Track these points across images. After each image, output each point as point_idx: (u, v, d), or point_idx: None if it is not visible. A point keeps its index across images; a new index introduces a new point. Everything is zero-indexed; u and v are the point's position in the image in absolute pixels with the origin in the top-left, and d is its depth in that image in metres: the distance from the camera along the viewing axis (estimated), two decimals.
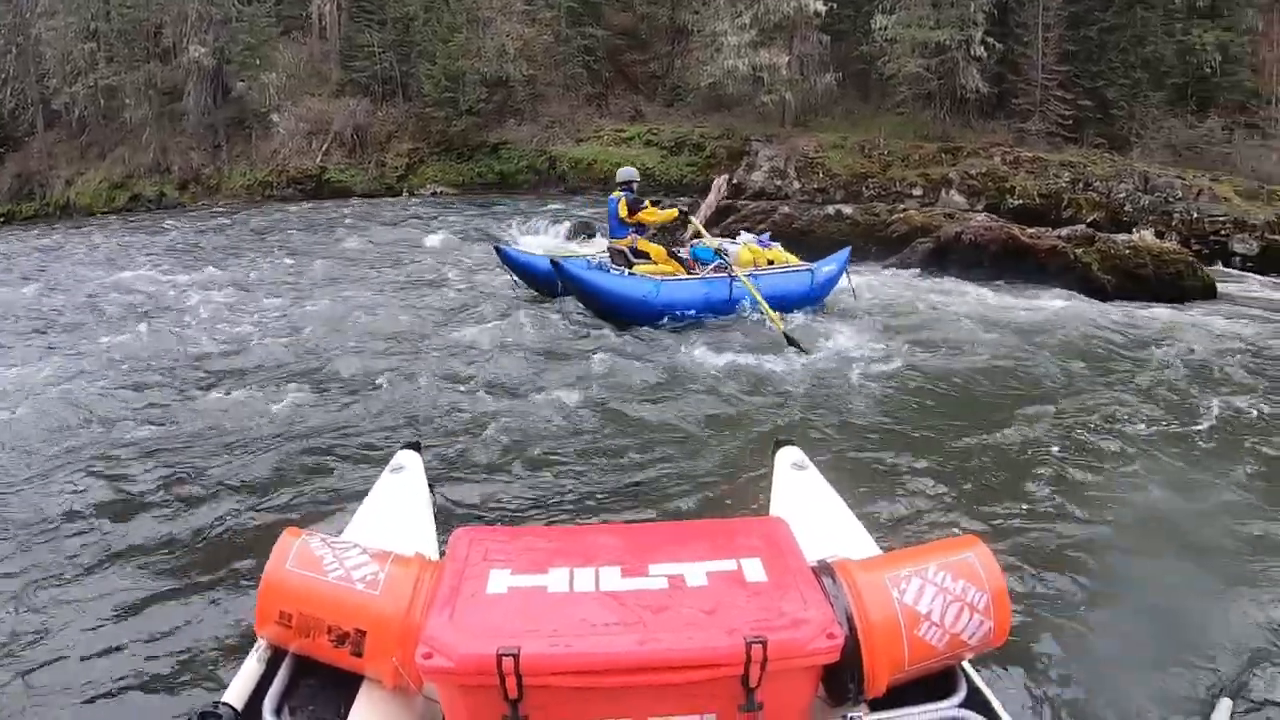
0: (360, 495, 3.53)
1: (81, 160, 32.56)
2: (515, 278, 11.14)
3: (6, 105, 33.48)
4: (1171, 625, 4.35)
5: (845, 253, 11.46)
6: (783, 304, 9.96)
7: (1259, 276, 15.59)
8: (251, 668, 2.35)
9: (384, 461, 3.79)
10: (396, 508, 3.37)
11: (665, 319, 9.76)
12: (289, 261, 16.00)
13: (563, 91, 29.19)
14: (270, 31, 31.74)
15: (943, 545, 2.48)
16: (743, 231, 12.18)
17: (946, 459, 6.39)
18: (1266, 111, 24.10)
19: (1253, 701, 3.82)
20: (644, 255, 10.32)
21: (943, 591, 2.26)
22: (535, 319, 10.28)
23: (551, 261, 10.06)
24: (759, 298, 9.67)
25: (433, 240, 17.74)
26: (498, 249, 11.34)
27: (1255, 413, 7.54)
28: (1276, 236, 16.71)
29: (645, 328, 9.74)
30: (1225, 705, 2.66)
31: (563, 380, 8.16)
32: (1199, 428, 7.15)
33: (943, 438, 6.84)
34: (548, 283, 10.57)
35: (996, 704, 2.34)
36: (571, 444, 6.67)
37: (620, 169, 11.28)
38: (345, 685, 2.34)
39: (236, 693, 2.26)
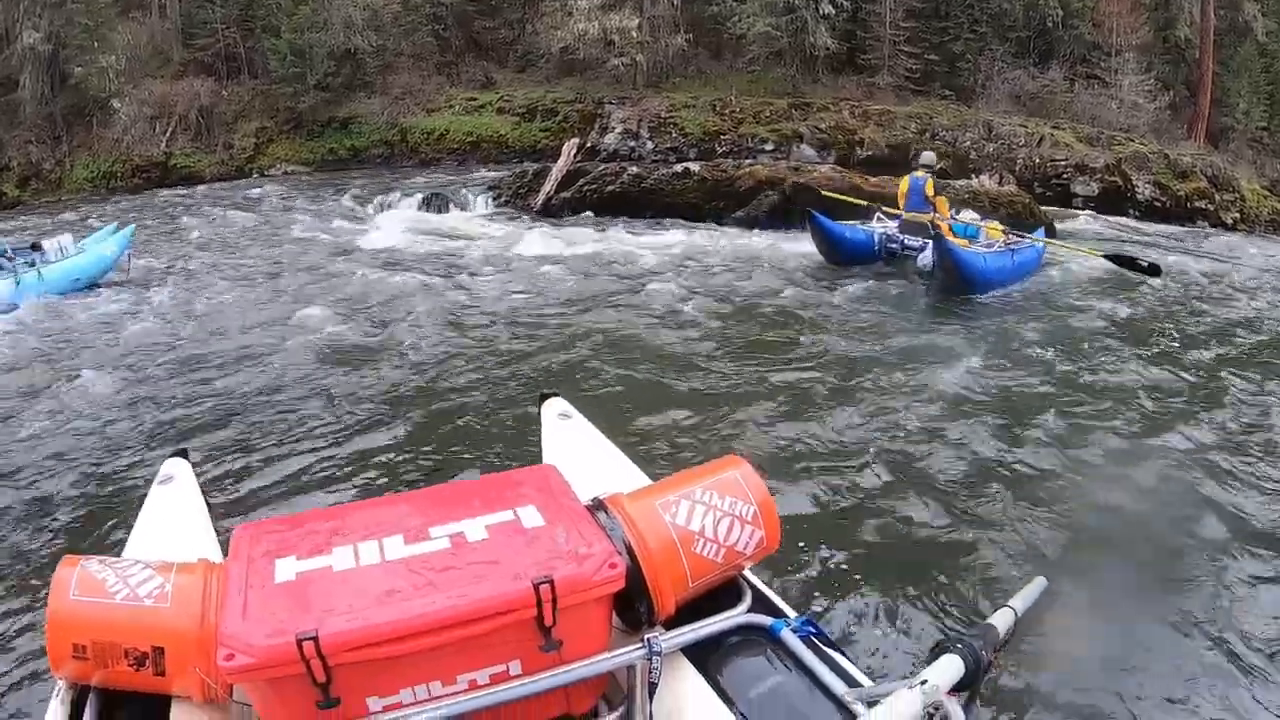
0: (132, 511, 3.37)
1: None
2: (825, 247, 11.20)
3: None
4: (926, 530, 4.86)
5: (1040, 232, 11.72)
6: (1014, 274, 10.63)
7: (1098, 216, 16.08)
8: (57, 710, 2.20)
9: (152, 474, 3.63)
10: (172, 518, 3.26)
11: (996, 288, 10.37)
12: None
13: (412, 61, 28.46)
14: (108, 12, 30.01)
15: (707, 468, 2.56)
16: (965, 210, 12.17)
17: (708, 395, 6.87)
18: (1107, 63, 24.76)
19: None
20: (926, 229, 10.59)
21: (711, 509, 2.37)
22: (276, 303, 10.16)
23: (936, 237, 9.88)
24: (1072, 248, 11.05)
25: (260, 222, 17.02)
26: (811, 216, 11.29)
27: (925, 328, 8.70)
28: (1114, 179, 17.29)
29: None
30: (1039, 583, 2.67)
31: (325, 361, 8.01)
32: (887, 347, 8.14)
33: (705, 378, 7.28)
34: (857, 253, 11.00)
35: (782, 604, 2.49)
36: (340, 423, 6.58)
37: (923, 154, 11.90)
38: (156, 711, 2.22)
39: None
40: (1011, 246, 10.46)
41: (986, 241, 10.44)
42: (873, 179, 13.91)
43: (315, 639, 1.88)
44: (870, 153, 18.64)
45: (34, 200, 27.78)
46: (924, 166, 11.01)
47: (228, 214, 17.28)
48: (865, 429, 6.20)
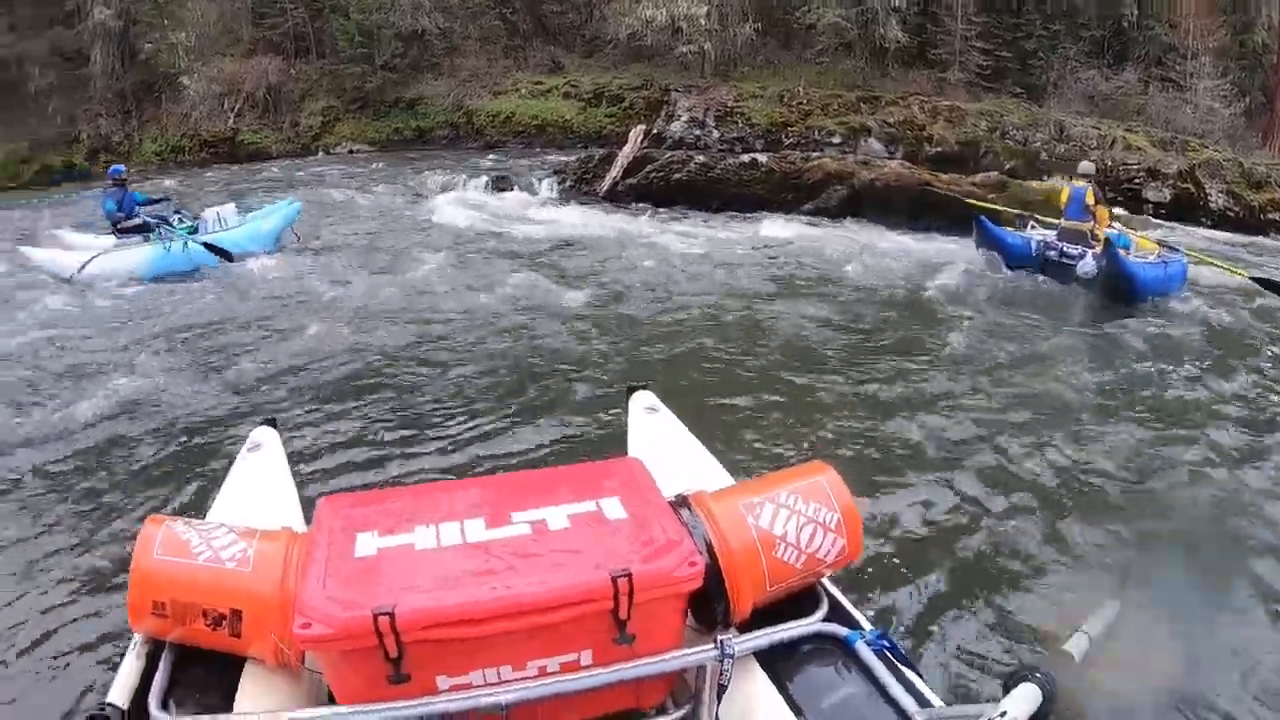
0: (219, 477, 3.45)
1: None
2: (991, 252, 11.02)
3: None
4: (1012, 544, 4.71)
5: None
6: (1167, 286, 10.47)
7: (1170, 223, 15.80)
8: (132, 665, 2.29)
9: (241, 441, 3.73)
10: (257, 485, 3.34)
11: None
12: None
13: (479, 44, 28.49)
14: None
15: (793, 472, 2.60)
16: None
17: (799, 395, 6.77)
18: (1182, 66, 24.28)
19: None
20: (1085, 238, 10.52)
21: (795, 514, 2.38)
22: (377, 286, 10.17)
23: (1105, 245, 9.82)
24: (1216, 264, 10.77)
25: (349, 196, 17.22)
26: (978, 220, 11.12)
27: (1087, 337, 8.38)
28: (1187, 185, 16.94)
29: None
30: (1112, 608, 2.65)
31: (406, 341, 8.12)
32: (1042, 356, 7.82)
33: (796, 377, 7.15)
34: (1019, 259, 10.79)
35: (858, 615, 2.47)
36: (425, 405, 6.67)
37: (1081, 163, 11.61)
38: (228, 669, 2.31)
39: (120, 691, 2.20)
40: (1164, 259, 10.31)
41: (1139, 253, 10.31)
42: (944, 176, 13.74)
43: (392, 615, 1.93)
44: (939, 149, 18.35)
45: (102, 172, 28.22)
46: (1083, 176, 10.81)
47: (297, 191, 17.43)
48: (962, 439, 5.99)
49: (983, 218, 11.12)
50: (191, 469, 5.66)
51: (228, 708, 2.20)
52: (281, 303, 9.61)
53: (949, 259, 11.15)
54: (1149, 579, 4.37)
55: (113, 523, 5.03)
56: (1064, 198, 10.80)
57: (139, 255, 11.42)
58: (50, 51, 29.56)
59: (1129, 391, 7.07)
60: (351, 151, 26.41)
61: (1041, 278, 10.47)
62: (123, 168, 12.83)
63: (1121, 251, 9.98)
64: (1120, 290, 9.73)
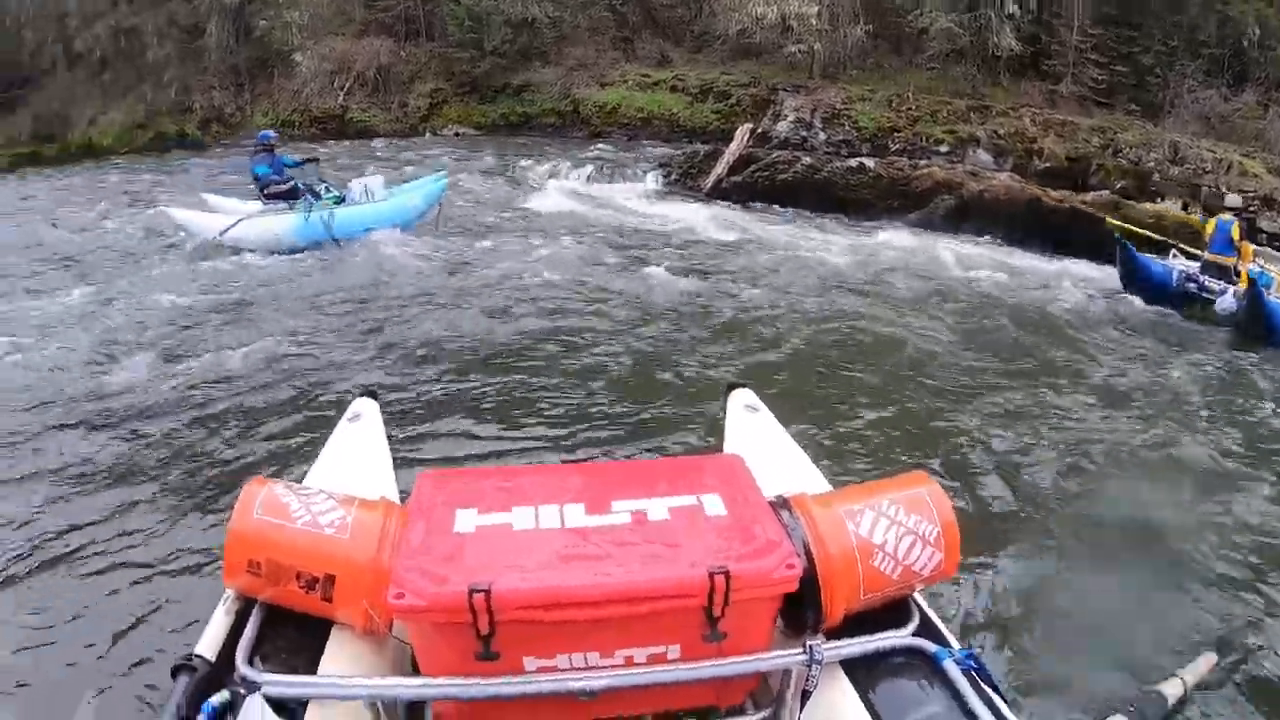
0: (318, 445, 3.53)
1: (103, 100, 32.45)
2: (1131, 278, 10.76)
3: (28, 46, 33.41)
4: (1114, 580, 4.55)
5: None
6: None
7: None
8: (222, 618, 2.35)
9: (341, 410, 3.79)
10: (355, 455, 3.39)
11: None
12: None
13: (588, 34, 28.74)
14: None
15: (895, 481, 2.54)
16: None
17: (901, 406, 6.65)
18: None
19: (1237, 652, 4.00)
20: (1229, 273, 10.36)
21: (895, 524, 2.34)
22: (483, 267, 10.44)
23: (1250, 284, 9.59)
24: None
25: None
26: (1122, 245, 10.77)
27: (1224, 379, 7.98)
28: None
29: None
30: (1209, 658, 2.66)
31: (510, 324, 8.31)
32: (1172, 392, 7.47)
33: (899, 387, 7.06)
34: (1158, 288, 10.56)
35: (946, 632, 2.42)
36: (526, 389, 6.79)
37: (1228, 196, 11.82)
38: (315, 631, 2.36)
39: (209, 643, 2.25)
40: None
41: None
42: (1054, 192, 13.58)
43: (487, 593, 1.95)
44: (1049, 164, 18.09)
45: (214, 142, 29.15)
46: (1230, 209, 10.63)
47: (404, 170, 17.82)
48: (1072, 468, 5.79)
49: (1127, 242, 10.78)
50: (296, 433, 5.94)
51: (312, 669, 2.27)
52: (403, 280, 9.92)
53: (1063, 278, 10.97)
54: (1259, 646, 4.19)
55: (215, 480, 5.30)
56: (1209, 230, 10.55)
57: (280, 223, 11.59)
58: (168, 24, 30.60)
59: (1260, 444, 6.70)
60: (457, 134, 26.84)
61: (1174, 309, 10.25)
62: (273, 133, 12.90)
63: (1265, 291, 9.69)
64: (1260, 331, 9.48)
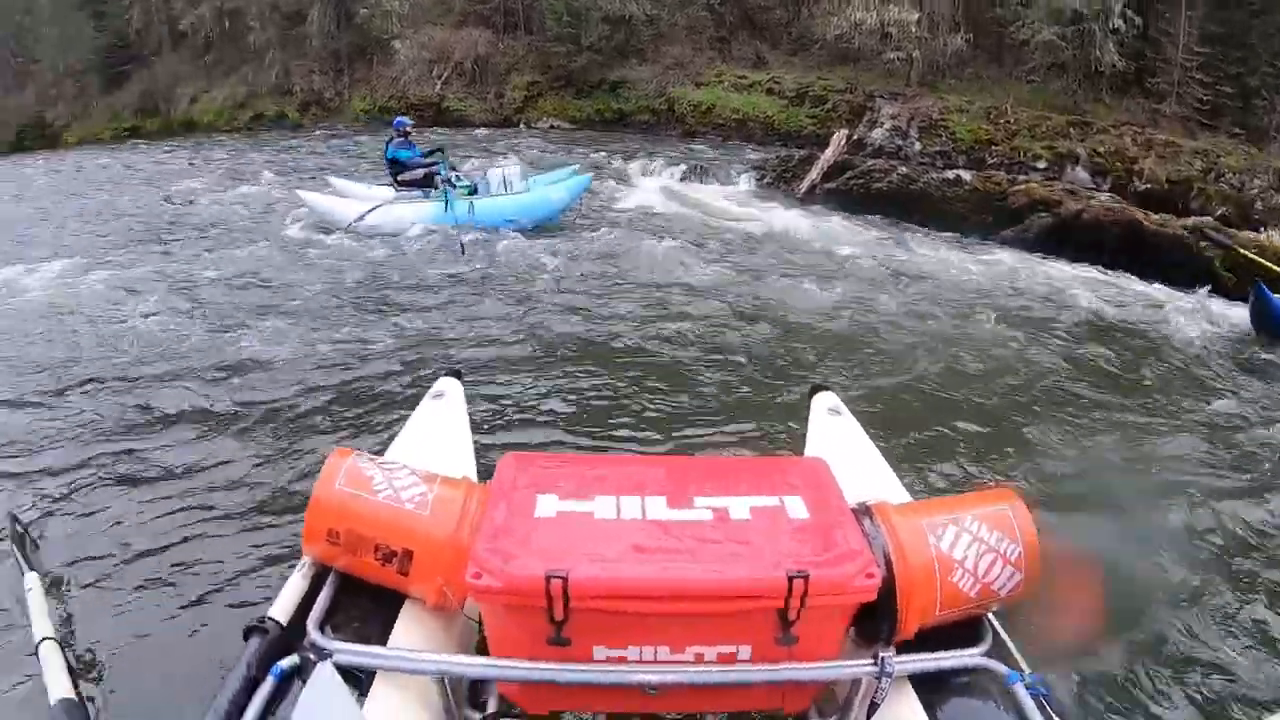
0: (401, 421, 3.59)
1: (206, 79, 33.51)
2: (1260, 317, 9.95)
3: (134, 25, 34.56)
4: (1203, 605, 4.38)
5: None
6: None
7: None
8: (297, 584, 2.42)
9: (426, 388, 3.85)
10: (437, 433, 3.45)
11: None
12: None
13: (685, 33, 28.85)
14: None
15: (979, 496, 2.53)
16: None
17: (989, 423, 6.45)
18: None
19: None
20: None
21: (977, 541, 2.32)
22: (569, 259, 10.62)
23: None
24: None
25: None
26: (1257, 286, 9.91)
27: None
28: None
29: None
30: None
31: (600, 317, 8.45)
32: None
33: (987, 404, 6.89)
34: None
35: (1018, 656, 2.39)
36: (611, 379, 6.87)
37: None
38: (388, 603, 2.42)
39: (282, 607, 2.32)
40: None
41: None
42: (1154, 216, 13.38)
43: (565, 579, 1.95)
44: (1149, 185, 17.75)
45: (311, 124, 29.85)
46: None
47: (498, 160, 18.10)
48: (1171, 504, 5.38)
49: (1262, 284, 9.96)
50: (375, 409, 6.15)
51: (382, 640, 2.30)
52: (508, 270, 10.17)
53: (1173, 309, 10.55)
54: None
55: (305, 449, 5.47)
56: None
57: (419, 211, 11.65)
58: (270, 8, 31.53)
59: None
60: (552, 127, 27.21)
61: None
62: (408, 120, 12.88)
63: None
64: None
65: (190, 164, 20.86)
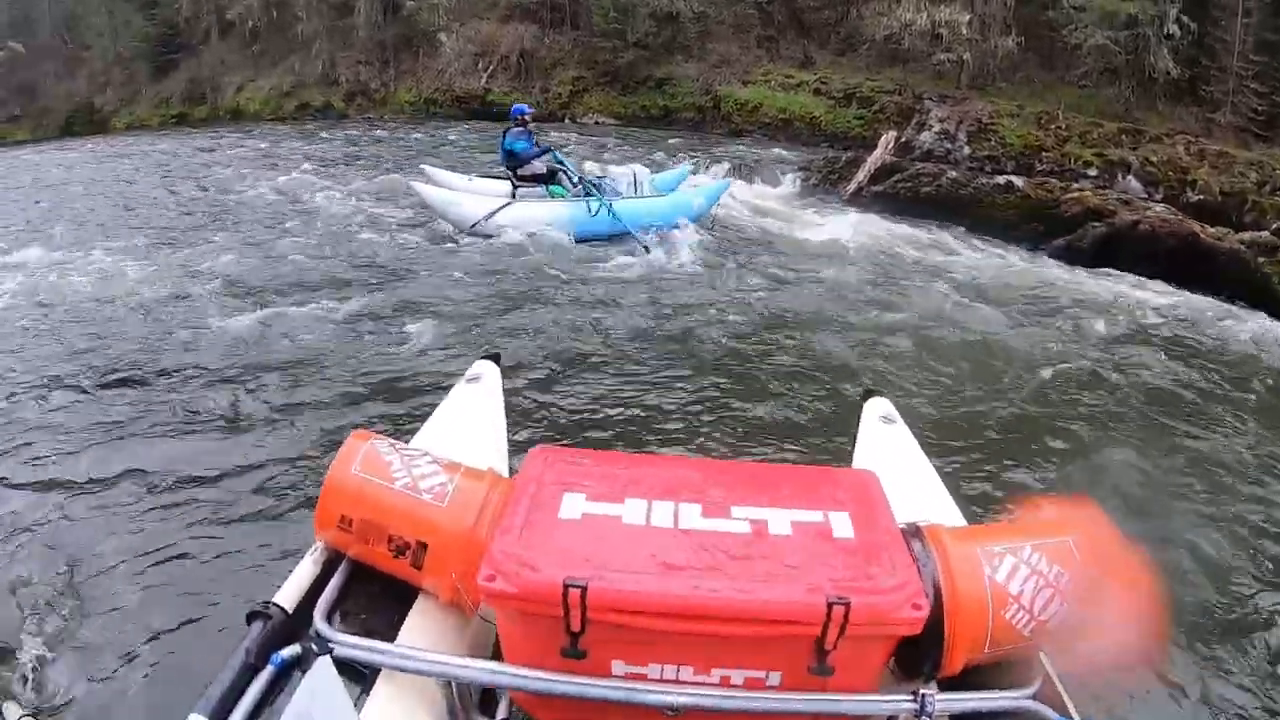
0: (434, 403, 3.49)
1: (253, 68, 33.91)
2: None
3: (183, 13, 34.98)
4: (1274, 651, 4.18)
5: None
6: None
7: None
8: (306, 570, 2.31)
9: (462, 370, 3.71)
10: (469, 419, 3.30)
11: None
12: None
13: (732, 31, 28.84)
14: None
15: (1040, 524, 2.30)
16: None
17: (1051, 440, 6.26)
18: None
19: None
20: None
21: (1035, 574, 2.10)
22: (595, 256, 10.51)
23: None
24: None
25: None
26: None
27: None
28: None
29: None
30: None
31: (648, 311, 8.46)
32: None
33: (1041, 417, 6.72)
34: None
35: (1068, 699, 2.17)
36: (655, 373, 6.88)
37: None
38: (400, 596, 2.30)
39: (288, 594, 2.21)
40: None
41: None
42: (1210, 229, 13.16)
43: (584, 589, 1.82)
44: (1202, 196, 17.42)
45: (357, 115, 30.08)
46: None
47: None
48: (1239, 546, 5.13)
49: None
50: (408, 389, 6.28)
51: (391, 634, 2.19)
52: (568, 270, 10.01)
53: (1245, 331, 10.15)
54: None
55: (326, 429, 5.57)
56: None
57: (553, 212, 10.99)
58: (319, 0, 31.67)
59: None
60: (597, 123, 27.23)
61: None
62: (527, 106, 12.17)
63: None
64: None
65: (232, 151, 21.18)
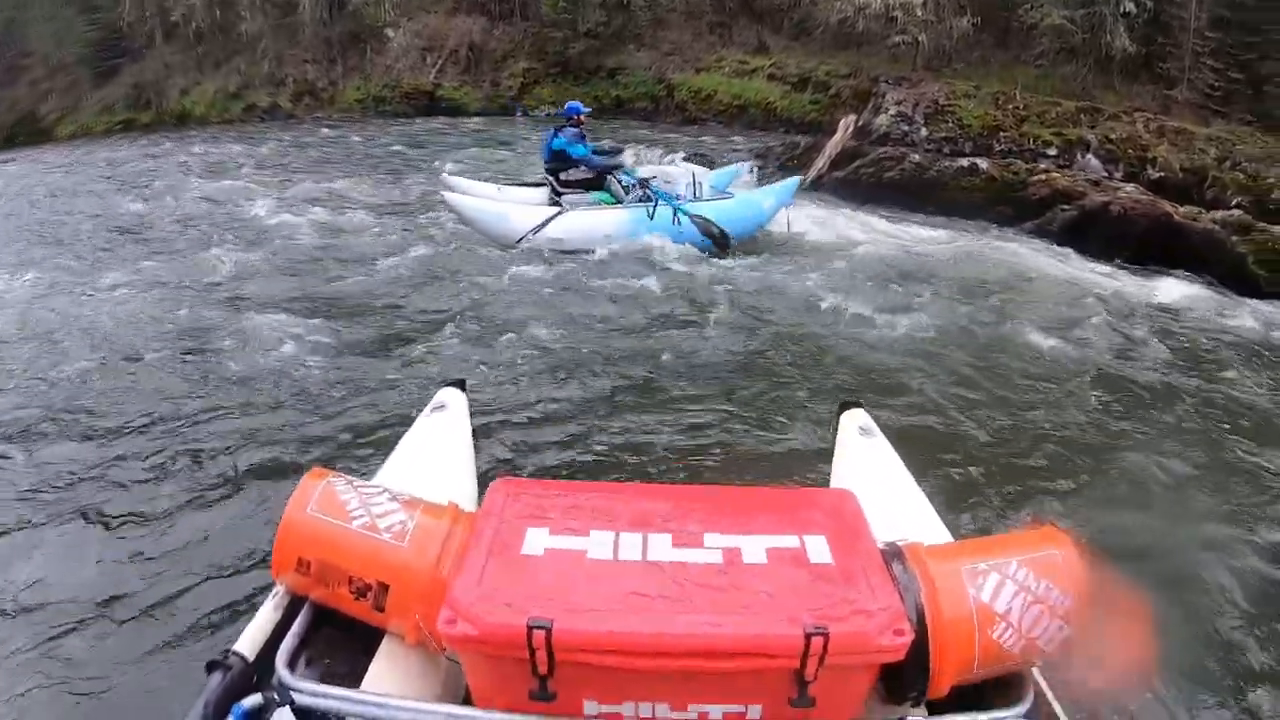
0: (399, 433, 3.39)
1: (197, 71, 33.30)
2: None
3: (125, 17, 34.27)
4: (1266, 659, 4.06)
5: None
6: None
7: None
8: (266, 615, 2.26)
9: (426, 399, 3.65)
10: (435, 449, 3.26)
11: None
12: (389, 181, 16.24)
13: (684, 18, 28.70)
14: None
15: (1026, 537, 2.26)
16: None
17: (1033, 445, 6.05)
18: None
19: None
20: None
21: (1023, 591, 2.06)
22: (565, 267, 10.01)
23: None
24: None
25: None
26: None
27: None
28: None
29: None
30: None
31: (616, 327, 8.15)
32: None
33: (1032, 424, 6.45)
34: None
35: (1062, 715, 2.16)
36: (625, 392, 6.66)
37: None
38: (366, 637, 2.24)
39: (249, 641, 2.16)
40: None
41: None
42: (1182, 208, 12.93)
43: (548, 630, 1.77)
44: (1162, 174, 17.29)
45: (305, 115, 29.66)
46: None
47: (496, 152, 17.72)
48: (1235, 546, 4.89)
49: None
50: (371, 420, 5.96)
51: (356, 680, 2.15)
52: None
53: (1232, 316, 9.87)
54: None
55: (284, 464, 5.30)
56: None
57: (613, 220, 10.15)
58: None
59: None
60: (549, 115, 26.81)
61: None
62: (582, 105, 11.18)
63: None
64: None
65: (177, 159, 20.55)
